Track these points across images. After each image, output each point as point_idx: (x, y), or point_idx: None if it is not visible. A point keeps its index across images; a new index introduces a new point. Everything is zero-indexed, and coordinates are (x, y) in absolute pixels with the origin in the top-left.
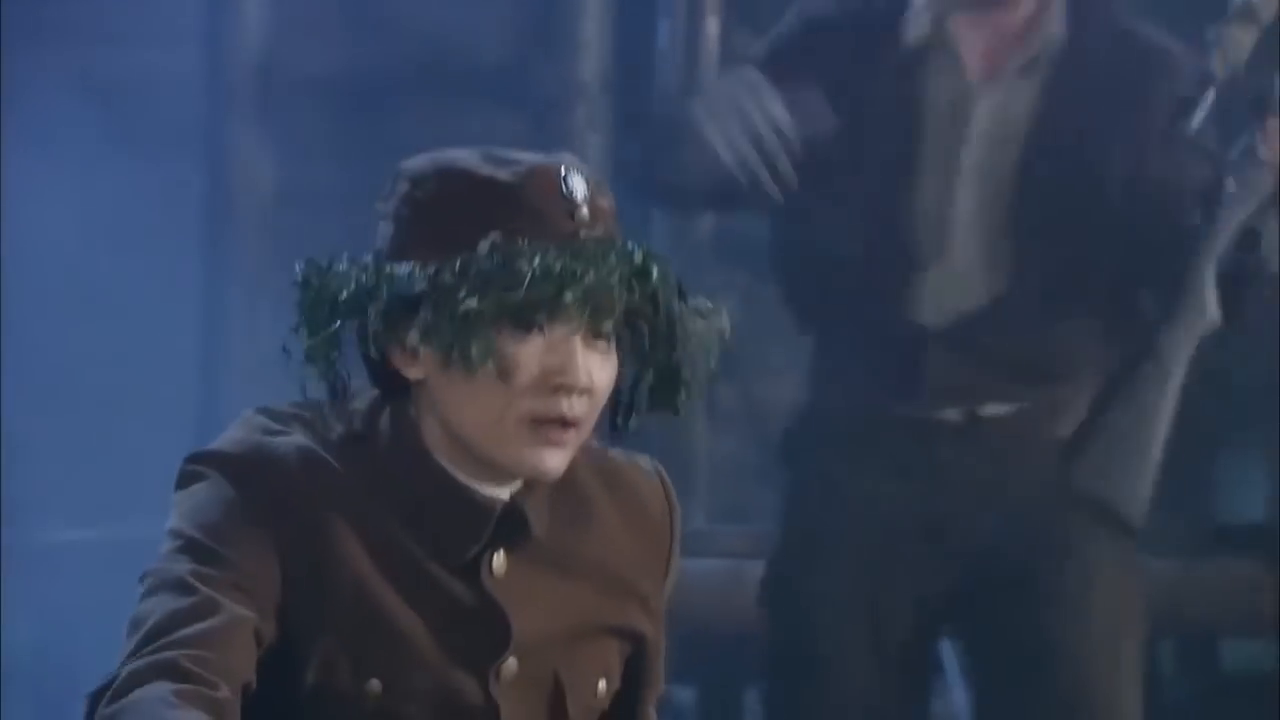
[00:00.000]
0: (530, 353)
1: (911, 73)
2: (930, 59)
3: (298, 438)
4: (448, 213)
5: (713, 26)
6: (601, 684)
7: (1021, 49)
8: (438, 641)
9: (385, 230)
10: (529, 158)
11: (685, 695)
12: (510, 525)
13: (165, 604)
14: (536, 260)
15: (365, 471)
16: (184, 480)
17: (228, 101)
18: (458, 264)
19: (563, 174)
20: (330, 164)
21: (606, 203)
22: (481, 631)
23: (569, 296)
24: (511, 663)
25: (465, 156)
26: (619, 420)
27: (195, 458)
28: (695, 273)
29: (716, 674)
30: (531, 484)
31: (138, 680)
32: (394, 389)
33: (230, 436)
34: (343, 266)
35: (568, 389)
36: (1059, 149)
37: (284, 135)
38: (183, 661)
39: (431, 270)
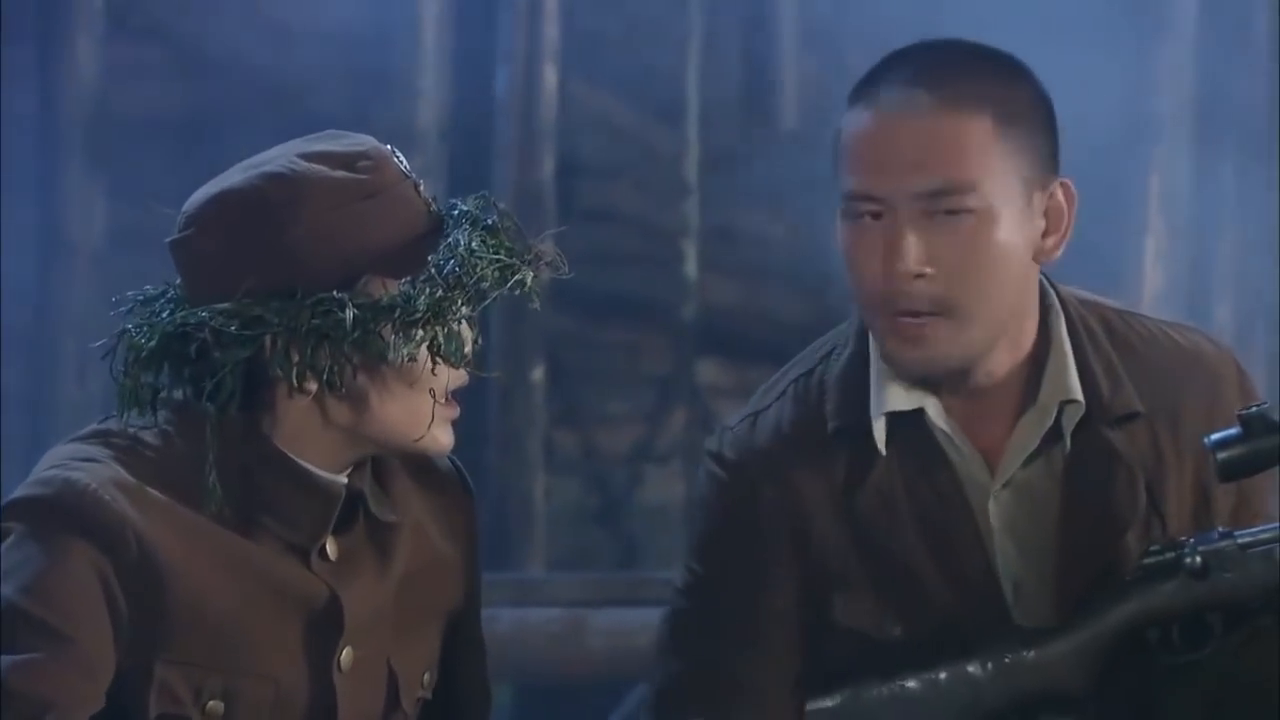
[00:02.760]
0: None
1: None
2: None
3: (106, 465)
4: (325, 222)
5: (551, 75)
6: (427, 675)
7: None
8: (276, 643)
9: (244, 255)
10: (352, 148)
11: None
12: (344, 511)
13: None
14: (502, 252)
15: (188, 481)
16: None
17: (61, 143)
18: (435, 274)
19: (395, 154)
20: (163, 206)
21: None
22: (318, 620)
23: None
24: (349, 652)
25: (299, 166)
26: None
27: (3, 512)
28: (536, 320)
29: None
30: (360, 470)
31: None
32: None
33: (35, 479)
34: (227, 306)
35: (468, 360)
36: None
37: (117, 176)
38: None
39: (426, 290)
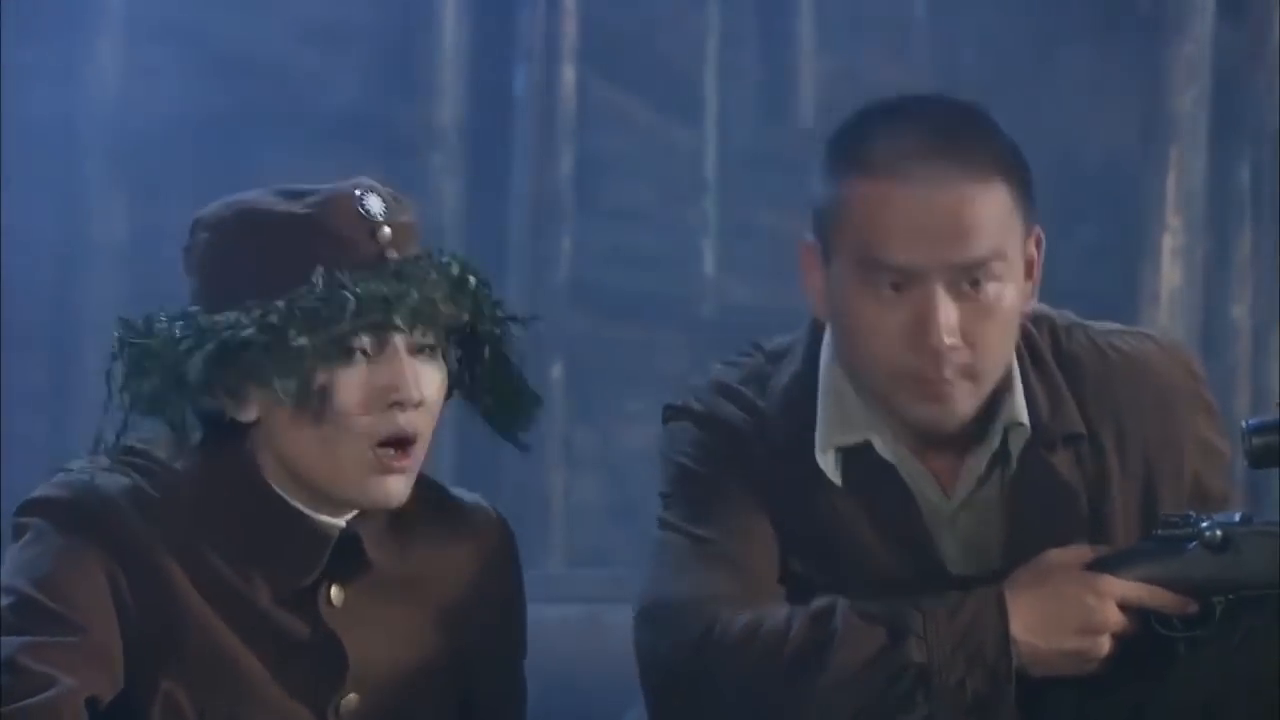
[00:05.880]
0: (356, 376)
1: None
2: None
3: (127, 478)
4: (255, 255)
5: (570, 74)
6: None
7: None
8: (277, 678)
9: (194, 283)
10: (322, 188)
11: None
12: (348, 556)
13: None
14: (360, 289)
15: (197, 508)
16: (16, 533)
17: (81, 144)
18: (283, 305)
19: (359, 196)
20: (185, 206)
21: (408, 217)
22: (319, 665)
23: (398, 319)
24: (352, 698)
25: (259, 197)
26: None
27: (24, 508)
28: (551, 320)
29: None
30: (368, 513)
31: None
32: (227, 428)
33: (58, 480)
34: (161, 323)
35: (402, 405)
36: None
37: (138, 177)
38: None
39: (257, 314)
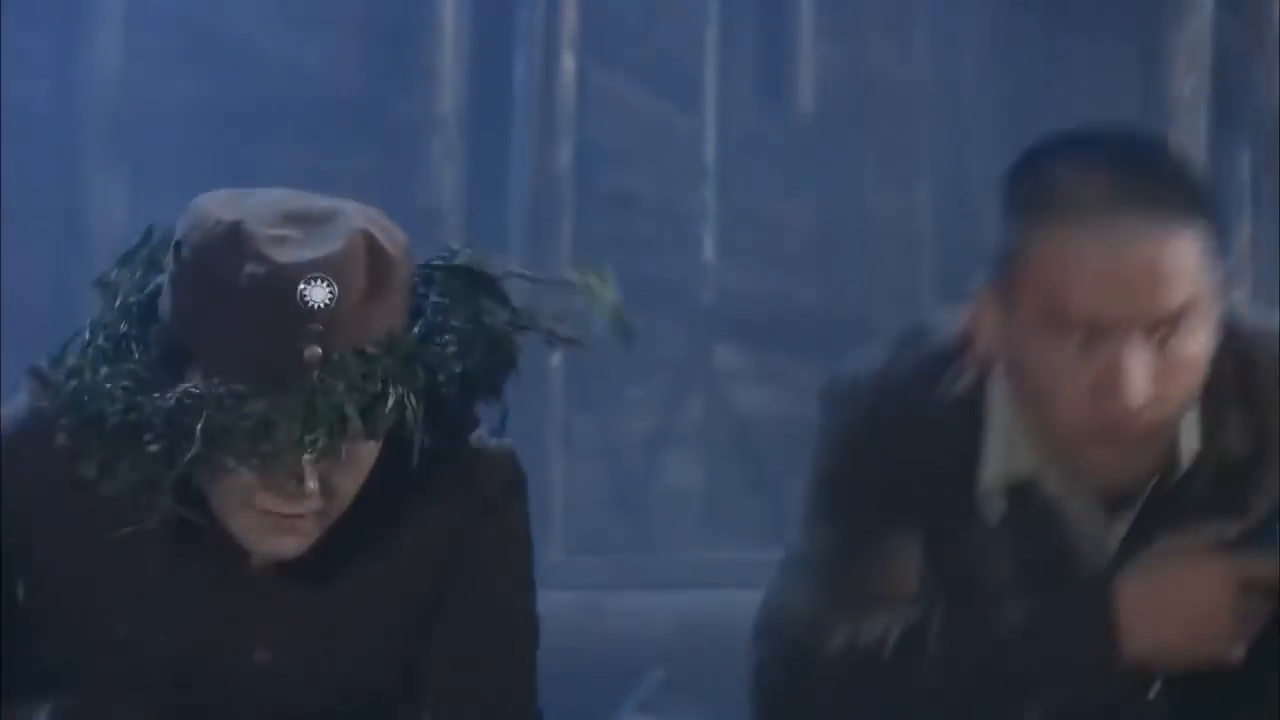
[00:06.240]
0: (236, 476)
1: None
2: None
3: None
4: (188, 307)
5: (569, 60)
6: (382, 686)
7: None
8: (199, 608)
9: (165, 284)
10: (290, 255)
11: None
12: None
13: None
14: (230, 412)
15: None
16: None
17: (80, 132)
18: (160, 402)
19: (304, 285)
20: (184, 195)
21: (367, 305)
22: (237, 600)
23: (268, 446)
24: (270, 641)
25: (227, 236)
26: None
27: None
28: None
29: (572, 709)
30: None
31: None
32: None
33: (20, 402)
34: (130, 301)
35: (294, 502)
36: None
37: (137, 165)
38: None
39: (122, 407)
